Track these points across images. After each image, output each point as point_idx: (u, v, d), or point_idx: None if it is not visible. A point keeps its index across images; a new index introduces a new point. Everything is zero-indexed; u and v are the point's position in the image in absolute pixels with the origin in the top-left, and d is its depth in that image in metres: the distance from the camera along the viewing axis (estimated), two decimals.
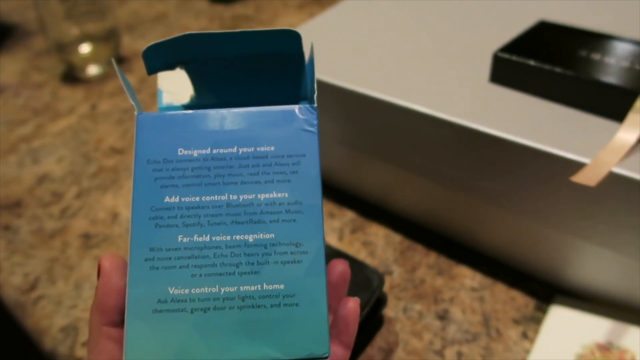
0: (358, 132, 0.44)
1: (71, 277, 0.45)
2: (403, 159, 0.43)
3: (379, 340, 0.39)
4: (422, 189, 0.45)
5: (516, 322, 0.39)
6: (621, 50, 0.38)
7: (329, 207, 0.50)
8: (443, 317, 0.40)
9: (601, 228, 0.34)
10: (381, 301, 0.39)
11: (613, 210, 0.33)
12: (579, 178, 0.31)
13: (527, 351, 0.37)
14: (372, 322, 0.38)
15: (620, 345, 0.35)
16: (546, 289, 0.41)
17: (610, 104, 0.35)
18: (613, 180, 0.32)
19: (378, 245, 0.46)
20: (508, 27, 0.47)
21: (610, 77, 0.35)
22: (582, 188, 0.33)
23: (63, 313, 0.43)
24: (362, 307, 0.36)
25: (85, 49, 0.75)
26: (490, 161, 0.37)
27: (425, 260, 0.45)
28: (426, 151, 0.40)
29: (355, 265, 0.38)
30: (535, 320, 0.39)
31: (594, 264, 0.37)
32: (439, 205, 0.44)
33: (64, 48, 0.75)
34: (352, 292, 0.36)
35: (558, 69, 0.37)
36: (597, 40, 0.40)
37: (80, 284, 0.45)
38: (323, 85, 0.44)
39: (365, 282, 0.37)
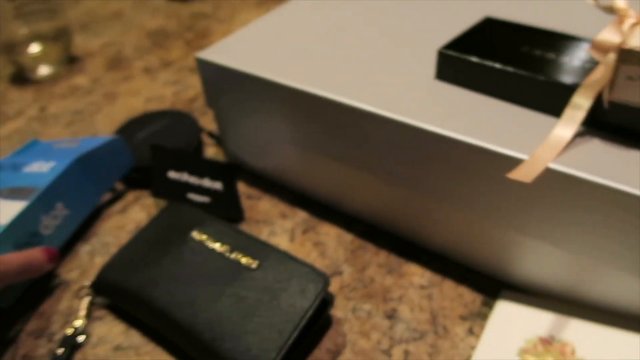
0: (308, 133, 0.44)
1: None
2: (353, 159, 0.42)
3: (327, 342, 0.38)
4: (373, 188, 0.44)
5: (463, 318, 0.39)
6: (562, 45, 0.39)
7: (281, 207, 0.50)
8: (391, 316, 0.40)
9: (540, 223, 0.35)
10: (327, 302, 0.38)
11: (551, 205, 0.33)
12: (516, 175, 0.31)
13: (473, 347, 0.37)
14: (318, 323, 0.37)
15: (562, 338, 0.36)
16: (493, 284, 0.41)
17: (549, 99, 0.35)
18: (550, 176, 0.32)
19: (329, 246, 0.46)
20: (455, 24, 0.48)
21: (549, 73, 0.35)
22: (521, 184, 0.33)
23: None
24: (306, 309, 0.35)
25: (34, 48, 0.73)
26: (435, 159, 0.37)
27: (376, 259, 0.44)
28: (374, 150, 0.40)
29: (300, 267, 0.38)
30: (482, 316, 0.39)
31: (537, 259, 0.38)
32: (389, 204, 0.44)
33: (12, 48, 0.72)
34: (295, 295, 0.36)
35: (498, 65, 0.37)
36: (539, 36, 0.40)
37: None
38: (273, 85, 0.43)
39: (309, 284, 0.37)
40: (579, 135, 0.34)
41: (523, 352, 0.36)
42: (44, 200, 0.44)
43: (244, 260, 0.39)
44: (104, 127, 0.62)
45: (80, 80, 0.73)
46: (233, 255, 0.39)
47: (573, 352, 0.35)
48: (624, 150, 0.32)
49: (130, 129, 0.56)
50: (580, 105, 0.33)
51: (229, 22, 0.86)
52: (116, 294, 0.40)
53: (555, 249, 0.36)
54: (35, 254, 0.40)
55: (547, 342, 0.36)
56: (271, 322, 0.35)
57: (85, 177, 0.48)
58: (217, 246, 0.40)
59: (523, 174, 0.31)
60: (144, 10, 0.94)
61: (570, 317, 0.37)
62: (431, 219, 0.42)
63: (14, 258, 0.38)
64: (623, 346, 0.34)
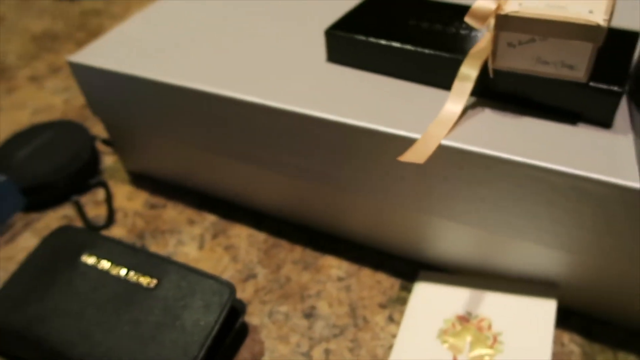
0: (198, 131, 0.41)
1: None
2: (250, 155, 0.40)
3: (244, 352, 0.36)
4: (278, 184, 0.42)
5: (382, 306, 0.38)
6: (449, 16, 0.37)
7: (188, 213, 0.47)
8: (310, 314, 0.38)
9: (443, 202, 0.33)
10: (238, 311, 0.36)
11: (450, 182, 0.32)
12: (408, 157, 0.30)
13: (394, 335, 0.36)
14: (230, 335, 0.35)
15: (478, 313, 0.35)
16: (410, 267, 0.40)
17: (439, 73, 0.34)
18: (444, 153, 0.31)
19: (241, 248, 0.43)
20: (344, 3, 0.45)
21: (436, 45, 0.34)
22: (418, 164, 0.32)
23: None
24: (212, 325, 0.33)
25: None
26: (329, 146, 0.35)
27: (291, 256, 0.42)
28: (268, 143, 0.38)
29: (203, 280, 0.35)
30: (401, 301, 0.38)
31: (447, 237, 0.37)
32: (297, 198, 0.42)
33: None
34: (199, 311, 0.33)
35: (384, 42, 0.35)
36: (426, 8, 0.39)
37: None
38: (153, 84, 0.39)
39: (214, 298, 0.34)
40: (470, 107, 0.33)
41: (442, 333, 0.35)
42: None
43: (141, 279, 0.35)
44: None
45: None
46: (129, 276, 0.36)
47: (490, 326, 0.34)
48: (513, 118, 0.32)
49: (12, 146, 0.50)
50: (468, 76, 0.32)
51: (122, 17, 0.80)
52: (2, 339, 0.36)
53: (463, 225, 0.35)
54: None
55: (465, 319, 0.35)
56: (175, 344, 0.32)
57: None
58: (110, 268, 0.36)
59: (416, 155, 0.30)
60: (28, 12, 0.85)
61: (485, 291, 0.37)
62: (340, 209, 0.41)
63: None
64: (535, 312, 0.34)
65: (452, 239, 0.37)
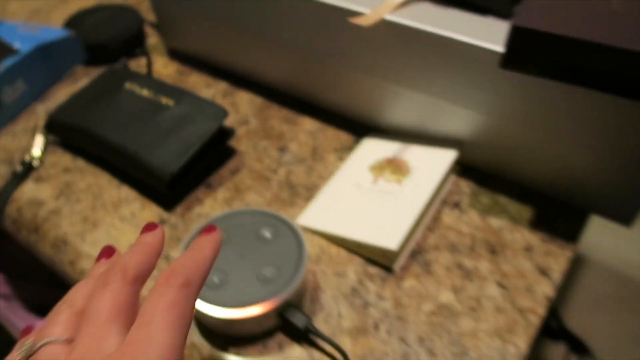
0: (228, 10, 0.54)
1: None
2: (261, 32, 0.53)
3: (230, 165, 0.50)
4: (277, 61, 0.55)
5: (336, 150, 0.51)
6: None
7: (207, 80, 0.61)
8: (282, 149, 0.52)
9: (392, 69, 0.46)
10: (227, 132, 0.50)
11: (397, 52, 0.44)
12: (358, 20, 0.42)
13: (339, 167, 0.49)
14: (222, 146, 0.49)
15: (402, 158, 0.48)
16: (365, 129, 0.53)
17: None
18: (389, 27, 0.43)
19: (242, 105, 0.57)
20: None
21: None
22: (375, 38, 0.45)
23: None
24: (208, 131, 0.46)
25: None
26: (316, 23, 0.48)
27: (277, 114, 0.56)
28: (273, 22, 0.51)
29: (207, 105, 0.49)
30: (351, 149, 0.51)
31: (393, 104, 0.49)
32: (289, 72, 0.55)
33: None
34: (201, 123, 0.47)
35: None
36: None
37: None
38: None
39: (212, 116, 0.48)
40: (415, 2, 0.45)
41: (372, 167, 0.48)
42: (8, 75, 0.53)
43: (163, 100, 0.49)
44: (58, 23, 0.71)
45: None
46: (155, 98, 0.50)
47: (406, 164, 0.47)
48: (443, 10, 0.43)
49: (81, 16, 0.65)
50: None
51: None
52: (64, 130, 0.51)
53: (405, 89, 0.47)
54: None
55: (390, 160, 0.48)
56: (180, 141, 0.46)
57: (44, 63, 0.58)
58: (144, 92, 0.51)
59: (363, 20, 0.42)
60: None
61: (409, 144, 0.49)
62: (320, 81, 0.53)
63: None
64: (440, 157, 0.47)
65: (396, 106, 0.49)
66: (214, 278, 0.36)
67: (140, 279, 0.24)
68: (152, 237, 0.26)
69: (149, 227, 0.27)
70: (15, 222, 0.46)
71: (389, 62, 0.46)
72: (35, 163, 0.50)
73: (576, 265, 1.04)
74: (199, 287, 0.24)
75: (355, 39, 0.46)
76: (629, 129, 0.37)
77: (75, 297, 0.24)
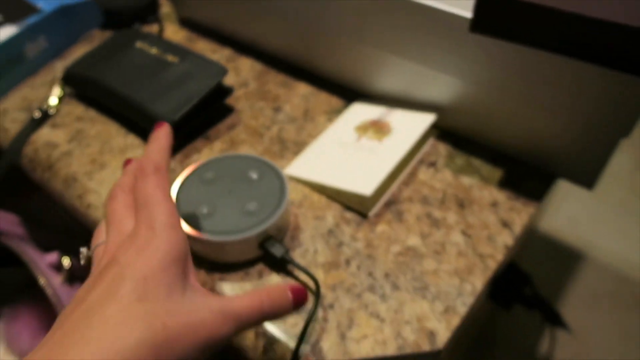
0: None
1: None
2: (259, 1, 0.57)
3: (227, 121, 0.54)
4: (277, 29, 0.59)
5: (326, 113, 0.55)
6: None
7: (213, 46, 0.65)
8: (276, 109, 0.56)
9: (382, 35, 0.50)
10: (227, 91, 0.54)
11: (379, 19, 0.48)
12: None
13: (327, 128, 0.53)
14: (220, 102, 0.53)
15: (385, 120, 0.52)
16: (355, 95, 0.57)
17: None
18: None
19: (243, 70, 0.61)
20: None
21: None
22: (362, 6, 0.48)
23: None
24: (208, 85, 0.51)
25: None
26: None
27: (275, 78, 0.60)
28: None
29: (209, 63, 0.53)
30: (340, 112, 0.55)
31: (385, 70, 0.53)
32: (287, 40, 0.59)
33: None
34: (203, 78, 0.51)
35: None
36: None
37: None
38: None
39: (213, 73, 0.52)
40: None
41: (357, 128, 0.52)
42: (30, 31, 0.58)
43: (169, 58, 0.54)
44: None
45: None
46: (162, 55, 0.54)
47: (388, 125, 0.51)
48: None
49: None
50: None
51: None
52: (79, 82, 0.55)
53: (394, 57, 0.51)
54: (279, 295, 0.33)
55: (374, 122, 0.52)
56: (182, 94, 0.50)
57: (64, 23, 0.62)
58: (153, 50, 0.55)
59: None
60: None
61: (394, 108, 0.53)
62: (316, 50, 0.57)
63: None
64: (419, 120, 0.50)
65: (383, 72, 0.53)
66: (204, 209, 0.40)
67: (164, 167, 0.33)
68: (163, 132, 0.36)
69: (158, 125, 0.37)
70: (31, 161, 0.51)
71: (375, 30, 0.49)
72: (52, 111, 0.55)
73: (574, 262, 1.07)
74: (166, 168, 0.33)
75: (344, 7, 0.50)
76: (589, 94, 0.41)
77: (119, 191, 0.33)
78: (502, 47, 0.43)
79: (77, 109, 0.56)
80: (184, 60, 0.53)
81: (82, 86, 0.56)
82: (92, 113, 0.55)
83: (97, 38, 0.66)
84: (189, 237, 0.39)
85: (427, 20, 0.45)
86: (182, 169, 0.49)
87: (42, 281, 0.52)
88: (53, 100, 0.56)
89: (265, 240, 0.40)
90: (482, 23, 0.40)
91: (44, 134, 0.53)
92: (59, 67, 0.62)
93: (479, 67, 0.45)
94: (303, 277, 0.40)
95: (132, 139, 0.52)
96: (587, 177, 0.46)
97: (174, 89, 0.51)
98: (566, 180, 0.47)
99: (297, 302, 0.33)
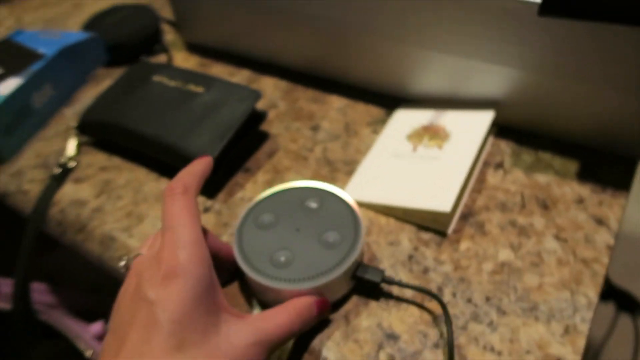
0: None
1: None
2: (283, 9, 0.52)
3: (265, 148, 0.50)
4: (299, 42, 0.54)
5: (369, 124, 0.51)
6: None
7: (230, 69, 0.60)
8: (315, 128, 0.51)
9: (422, 32, 0.45)
10: (262, 115, 0.49)
11: (422, 13, 0.44)
12: None
13: (374, 140, 0.49)
14: (255, 128, 0.49)
15: (438, 123, 0.47)
16: (395, 102, 0.52)
17: None
18: None
19: (267, 90, 0.57)
20: None
21: None
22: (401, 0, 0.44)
23: None
24: (243, 112, 0.46)
25: None
26: None
27: (304, 95, 0.55)
28: None
29: (238, 88, 0.48)
30: (384, 121, 0.51)
31: (423, 71, 0.49)
32: (312, 53, 0.55)
33: None
34: (235, 106, 0.47)
35: None
36: None
37: None
38: None
39: (245, 98, 0.47)
40: None
41: (409, 136, 0.47)
42: (35, 79, 0.53)
43: (193, 88, 0.49)
44: (75, 29, 0.71)
45: None
46: (185, 87, 0.50)
47: (444, 129, 0.46)
48: None
49: (100, 17, 0.65)
50: None
51: None
52: (98, 129, 0.51)
53: (436, 53, 0.46)
54: (306, 306, 0.33)
55: (427, 127, 0.47)
56: (216, 125, 0.46)
57: (68, 65, 0.58)
58: (173, 83, 0.50)
59: None
60: None
61: (444, 110, 0.48)
62: (344, 58, 0.53)
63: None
64: (477, 119, 0.46)
65: (426, 73, 0.49)
66: (280, 258, 0.35)
67: (193, 188, 0.34)
68: (201, 160, 0.37)
69: (199, 158, 0.38)
70: (60, 224, 0.46)
71: (417, 25, 0.45)
72: (72, 164, 0.50)
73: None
74: (195, 190, 0.34)
75: (380, 4, 0.45)
76: None
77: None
78: (571, 28, 0.39)
79: (99, 157, 0.51)
80: (210, 88, 0.49)
81: (100, 132, 0.51)
82: (116, 160, 0.51)
83: (104, 77, 0.62)
84: (276, 291, 0.34)
85: (480, 9, 0.41)
86: (229, 209, 0.44)
87: (88, 354, 0.47)
88: (71, 152, 0.51)
89: (356, 269, 0.36)
90: (551, 4, 0.36)
91: (68, 191, 0.48)
92: (70, 114, 0.57)
93: (544, 53, 0.41)
94: (409, 293, 0.36)
95: (165, 183, 0.47)
96: None
97: (206, 121, 0.46)
98: None
99: (320, 315, 0.34)
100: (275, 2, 0.52)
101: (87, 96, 0.59)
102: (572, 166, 0.44)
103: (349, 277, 0.36)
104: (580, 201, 0.41)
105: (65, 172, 0.50)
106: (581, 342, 0.33)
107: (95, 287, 0.66)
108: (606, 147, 0.44)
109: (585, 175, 0.43)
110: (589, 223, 0.40)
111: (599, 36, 0.38)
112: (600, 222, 0.40)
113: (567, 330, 0.34)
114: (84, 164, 0.51)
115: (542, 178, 0.44)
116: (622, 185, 0.42)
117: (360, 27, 0.48)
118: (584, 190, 0.42)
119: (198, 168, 0.36)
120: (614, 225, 0.40)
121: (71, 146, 0.52)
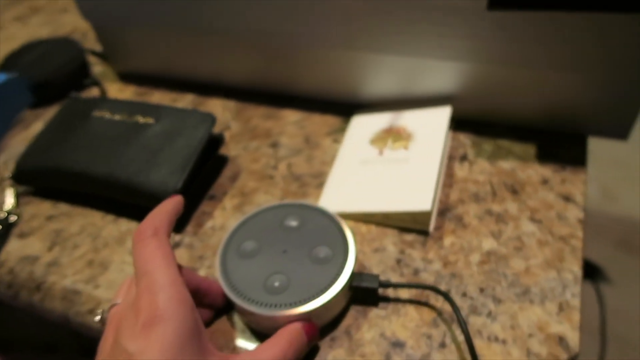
0: (175, 12, 0.51)
1: None
2: (223, 25, 0.50)
3: (227, 172, 0.48)
4: (243, 59, 0.53)
5: (328, 134, 0.50)
6: None
7: (171, 95, 0.57)
8: (274, 145, 0.50)
9: (370, 36, 0.45)
10: (219, 140, 0.47)
11: (369, 17, 0.44)
12: None
13: (338, 150, 0.48)
14: (215, 154, 0.47)
15: (399, 125, 0.48)
16: (349, 109, 0.52)
17: None
18: None
19: (217, 113, 0.54)
20: None
21: None
22: (347, 6, 0.44)
23: None
24: (200, 140, 0.44)
25: None
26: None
27: (256, 112, 0.54)
28: (238, 10, 0.49)
29: (190, 114, 0.46)
30: (343, 130, 0.50)
31: (374, 76, 0.49)
32: (258, 69, 0.53)
33: None
34: (190, 134, 0.44)
35: None
36: None
37: None
38: None
39: (200, 124, 0.45)
40: None
41: (372, 141, 0.47)
42: None
43: (141, 119, 0.46)
44: None
45: None
46: (132, 119, 0.46)
47: (405, 130, 0.47)
48: None
49: (17, 55, 0.60)
50: None
51: None
52: (37, 175, 0.46)
53: (385, 56, 0.47)
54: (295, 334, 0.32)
55: (388, 130, 0.48)
56: (174, 156, 0.43)
57: None
58: (117, 117, 0.47)
59: None
60: None
61: (402, 111, 0.49)
62: (293, 70, 0.52)
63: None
64: (436, 116, 0.47)
65: (379, 76, 0.49)
66: (274, 283, 0.33)
67: (163, 229, 0.31)
68: (170, 200, 0.34)
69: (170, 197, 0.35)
70: (10, 285, 0.41)
71: (363, 30, 0.45)
72: (13, 219, 0.45)
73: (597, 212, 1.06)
74: (167, 230, 0.32)
75: (323, 12, 0.45)
76: (613, 44, 0.39)
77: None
78: (519, 19, 0.40)
79: (43, 207, 0.47)
80: (160, 117, 0.46)
81: (41, 180, 0.46)
82: (63, 207, 0.46)
83: (32, 120, 0.56)
84: (279, 319, 0.32)
85: (429, 9, 0.41)
86: (200, 240, 0.42)
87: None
88: (9, 205, 0.46)
89: (352, 280, 0.35)
90: None
91: (14, 248, 0.43)
92: (0, 163, 0.51)
93: (491, 44, 0.42)
94: (405, 294, 0.35)
95: (126, 224, 0.44)
96: (620, 129, 0.45)
97: (162, 153, 0.43)
98: (598, 136, 0.46)
99: (310, 342, 0.33)
100: (210, 23, 0.50)
101: (17, 142, 0.54)
102: (531, 149, 0.46)
103: (347, 291, 0.35)
104: (545, 182, 0.43)
105: (7, 228, 0.45)
106: (576, 317, 0.34)
107: (51, 347, 0.60)
108: (559, 128, 0.47)
109: (544, 156, 0.45)
110: (557, 201, 0.41)
111: (541, 23, 0.40)
112: (567, 199, 0.42)
113: (561, 308, 0.35)
114: (27, 215, 0.46)
115: (506, 165, 0.45)
116: (579, 161, 0.44)
117: (305, 37, 0.48)
118: (546, 171, 0.44)
119: (167, 207, 0.34)
120: (580, 200, 0.41)
121: (9, 198, 0.47)
